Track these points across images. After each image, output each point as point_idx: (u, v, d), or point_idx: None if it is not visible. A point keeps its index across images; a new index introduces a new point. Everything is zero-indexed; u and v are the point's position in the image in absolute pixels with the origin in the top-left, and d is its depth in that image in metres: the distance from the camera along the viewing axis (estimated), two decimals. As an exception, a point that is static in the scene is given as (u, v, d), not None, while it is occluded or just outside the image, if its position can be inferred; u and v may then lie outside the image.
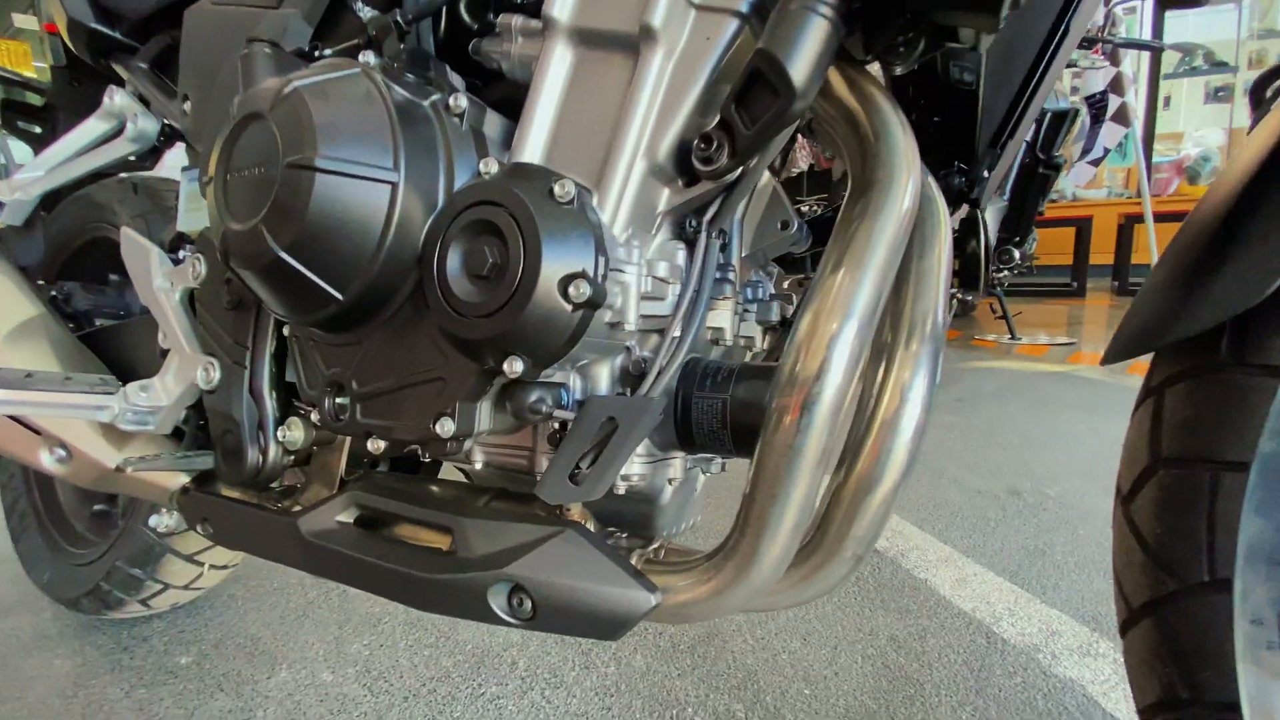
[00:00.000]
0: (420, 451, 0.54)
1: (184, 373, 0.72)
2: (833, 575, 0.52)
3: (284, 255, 0.49)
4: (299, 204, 0.47)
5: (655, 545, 0.59)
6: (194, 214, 0.79)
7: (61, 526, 1.19)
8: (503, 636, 1.09)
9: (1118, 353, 0.52)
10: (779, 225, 0.69)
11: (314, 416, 0.59)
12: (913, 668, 1.00)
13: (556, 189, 0.47)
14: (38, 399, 0.67)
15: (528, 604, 0.52)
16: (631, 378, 0.55)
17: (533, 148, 0.52)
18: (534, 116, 0.52)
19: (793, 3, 0.44)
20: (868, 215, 0.46)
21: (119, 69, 0.90)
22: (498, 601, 0.53)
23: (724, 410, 0.53)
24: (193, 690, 0.99)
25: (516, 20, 0.55)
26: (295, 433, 0.65)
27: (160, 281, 0.74)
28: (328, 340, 0.57)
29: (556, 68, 0.52)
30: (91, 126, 0.92)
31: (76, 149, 0.92)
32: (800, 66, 0.43)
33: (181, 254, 0.76)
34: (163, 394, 0.73)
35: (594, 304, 0.46)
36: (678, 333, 0.52)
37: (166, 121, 0.90)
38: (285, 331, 0.63)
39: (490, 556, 0.53)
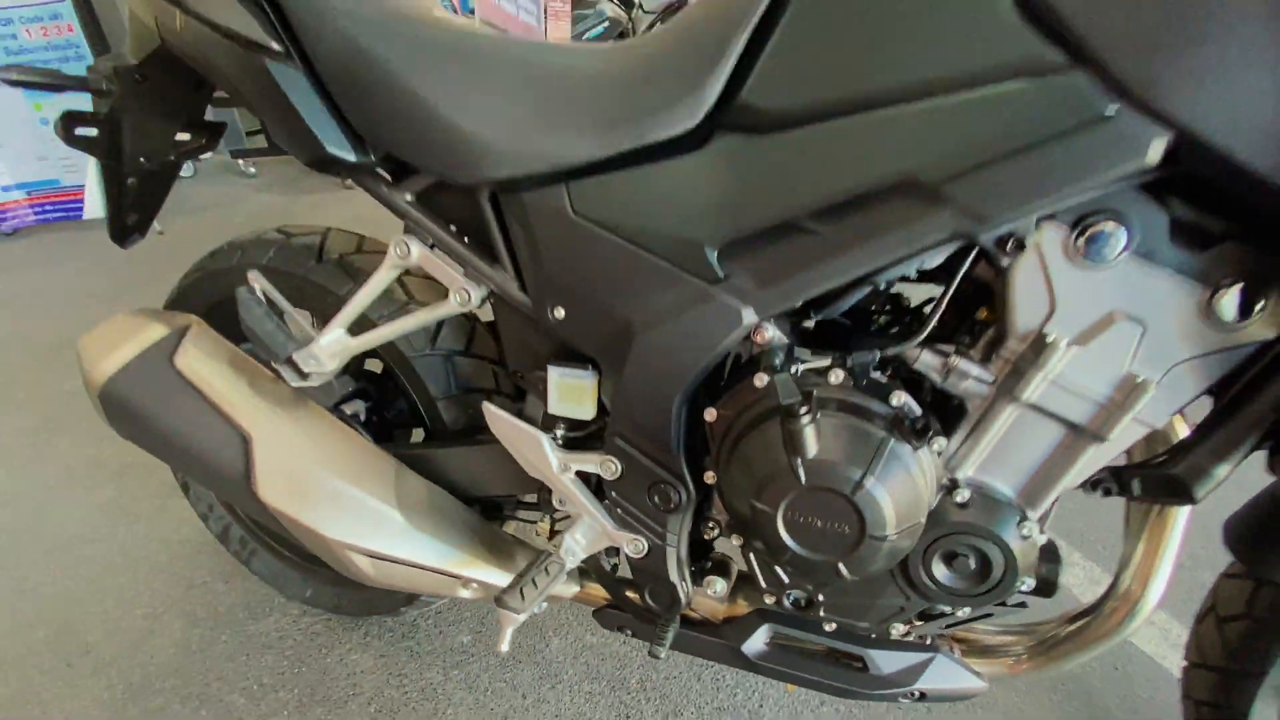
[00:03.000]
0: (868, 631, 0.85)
1: (598, 540, 0.93)
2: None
3: (844, 571, 0.72)
4: (869, 562, 0.71)
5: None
6: (569, 405, 0.84)
7: (292, 545, 1.33)
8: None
9: None
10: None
11: (770, 600, 0.86)
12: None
13: (1026, 531, 0.73)
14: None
15: (918, 694, 0.90)
16: None
17: (971, 463, 0.75)
18: (980, 443, 0.73)
19: None
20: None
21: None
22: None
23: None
24: (498, 665, 1.31)
25: (972, 369, 0.69)
26: (720, 588, 0.92)
27: (556, 465, 0.89)
28: (802, 575, 0.82)
29: (1003, 417, 0.72)
30: (384, 279, 0.90)
31: (370, 302, 0.91)
32: None
33: (558, 433, 0.90)
34: (578, 552, 0.95)
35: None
36: None
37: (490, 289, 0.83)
38: (734, 543, 0.85)
39: (898, 675, 0.89)
